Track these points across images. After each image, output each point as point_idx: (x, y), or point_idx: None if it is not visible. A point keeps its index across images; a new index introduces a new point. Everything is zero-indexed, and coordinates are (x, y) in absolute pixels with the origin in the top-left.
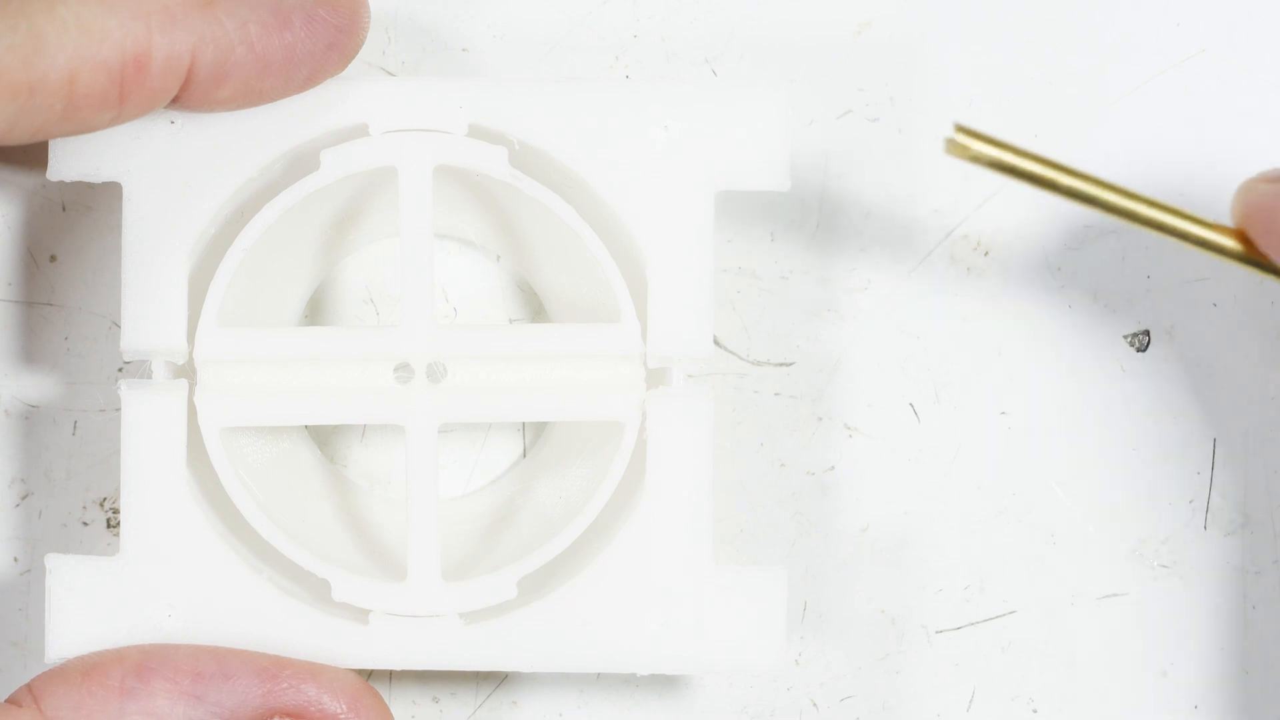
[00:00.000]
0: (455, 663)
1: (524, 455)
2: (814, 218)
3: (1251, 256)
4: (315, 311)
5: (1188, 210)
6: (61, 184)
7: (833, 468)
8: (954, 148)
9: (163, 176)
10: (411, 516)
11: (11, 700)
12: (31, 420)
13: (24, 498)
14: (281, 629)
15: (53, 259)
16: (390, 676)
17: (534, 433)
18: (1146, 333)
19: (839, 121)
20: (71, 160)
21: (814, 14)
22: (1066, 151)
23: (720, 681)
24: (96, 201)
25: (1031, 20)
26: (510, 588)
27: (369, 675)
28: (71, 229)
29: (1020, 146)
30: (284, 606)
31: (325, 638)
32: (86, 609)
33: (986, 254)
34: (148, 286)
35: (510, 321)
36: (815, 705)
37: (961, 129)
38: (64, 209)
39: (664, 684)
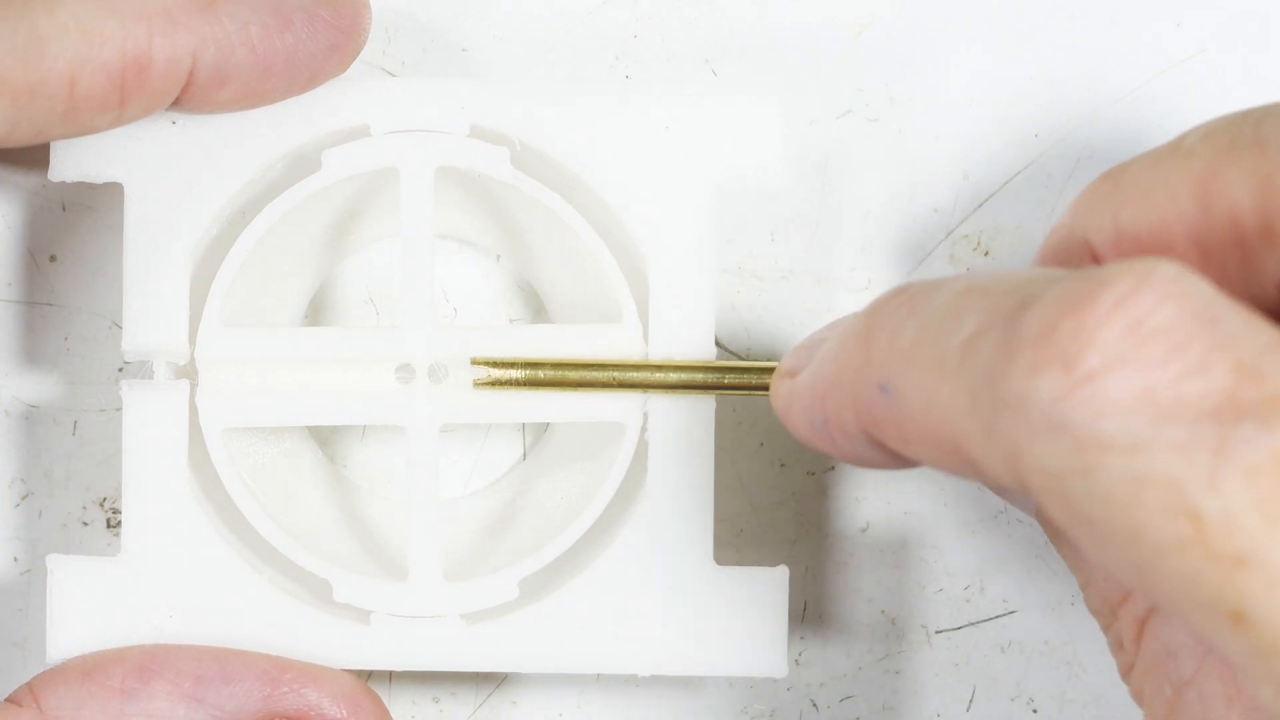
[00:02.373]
0: (456, 663)
1: (525, 456)
2: (814, 218)
3: None
4: (316, 312)
5: (728, 362)
6: (62, 184)
7: (833, 468)
8: (479, 384)
9: (164, 177)
10: (412, 517)
11: (11, 699)
12: (31, 420)
13: (24, 498)
14: (282, 630)
15: (53, 259)
16: (390, 677)
17: (535, 433)
18: None
19: (839, 121)
20: (73, 161)
21: (814, 14)
22: (1066, 151)
23: (720, 681)
24: (97, 202)
25: (1031, 20)
26: (512, 588)
27: (369, 676)
28: (71, 229)
29: (537, 358)
30: (285, 607)
31: (326, 638)
32: (87, 610)
33: (987, 254)
34: (149, 287)
35: (510, 322)
36: (815, 705)
37: (476, 361)
38: (64, 209)
39: (664, 684)
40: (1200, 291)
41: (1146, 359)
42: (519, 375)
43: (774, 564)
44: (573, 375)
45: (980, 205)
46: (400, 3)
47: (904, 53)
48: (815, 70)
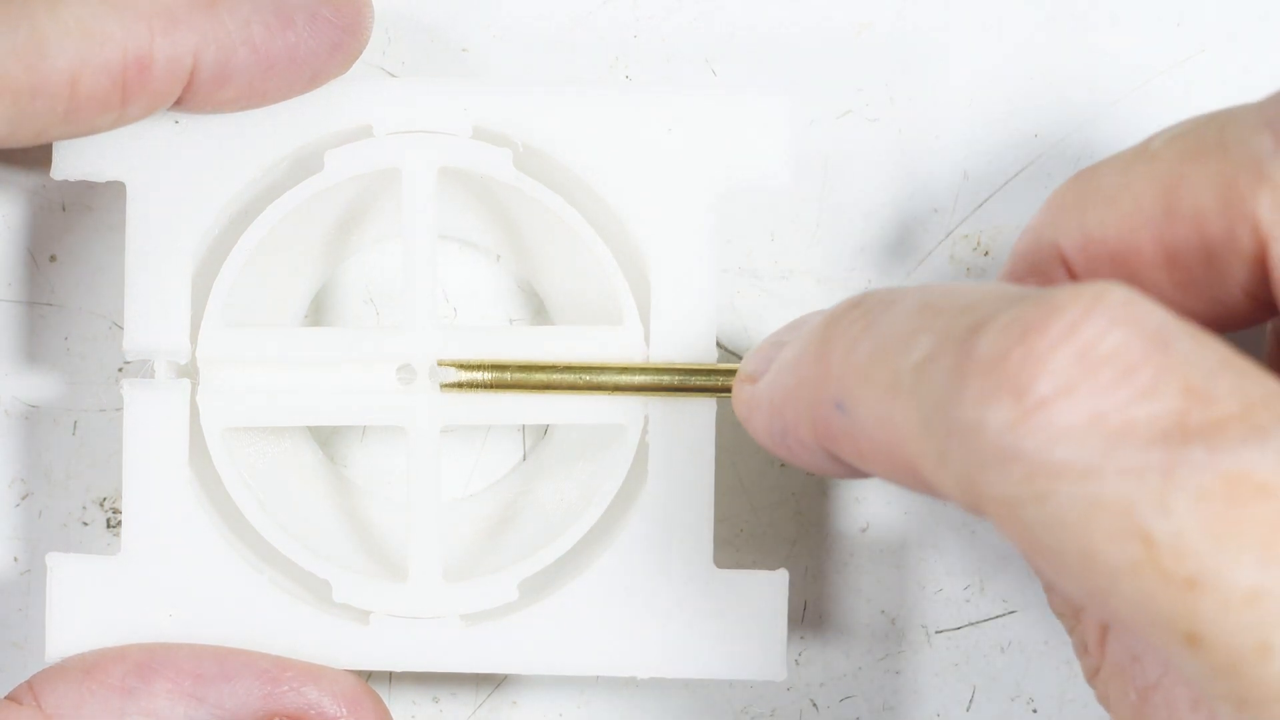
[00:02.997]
0: (456, 664)
1: (525, 457)
2: (814, 218)
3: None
4: (318, 312)
5: (692, 364)
6: (62, 184)
7: None
8: (446, 386)
9: (167, 176)
10: (413, 518)
11: (11, 697)
12: (31, 420)
13: (24, 498)
14: (282, 630)
15: (53, 259)
16: (390, 677)
17: (536, 434)
18: None
19: (839, 121)
20: (76, 159)
21: (814, 14)
22: (1066, 151)
23: (721, 682)
24: (97, 201)
25: (1032, 20)
26: (511, 590)
27: (369, 676)
28: (71, 229)
29: (504, 360)
30: (285, 607)
31: (326, 638)
32: (87, 608)
33: (986, 254)
34: (151, 286)
35: (510, 322)
36: (815, 705)
37: (443, 363)
38: (64, 209)
39: (664, 684)
40: (1151, 315)
41: (1097, 384)
42: (485, 378)
43: (774, 564)
44: (539, 377)
45: (980, 205)
46: (400, 3)
47: (904, 53)
48: (815, 70)
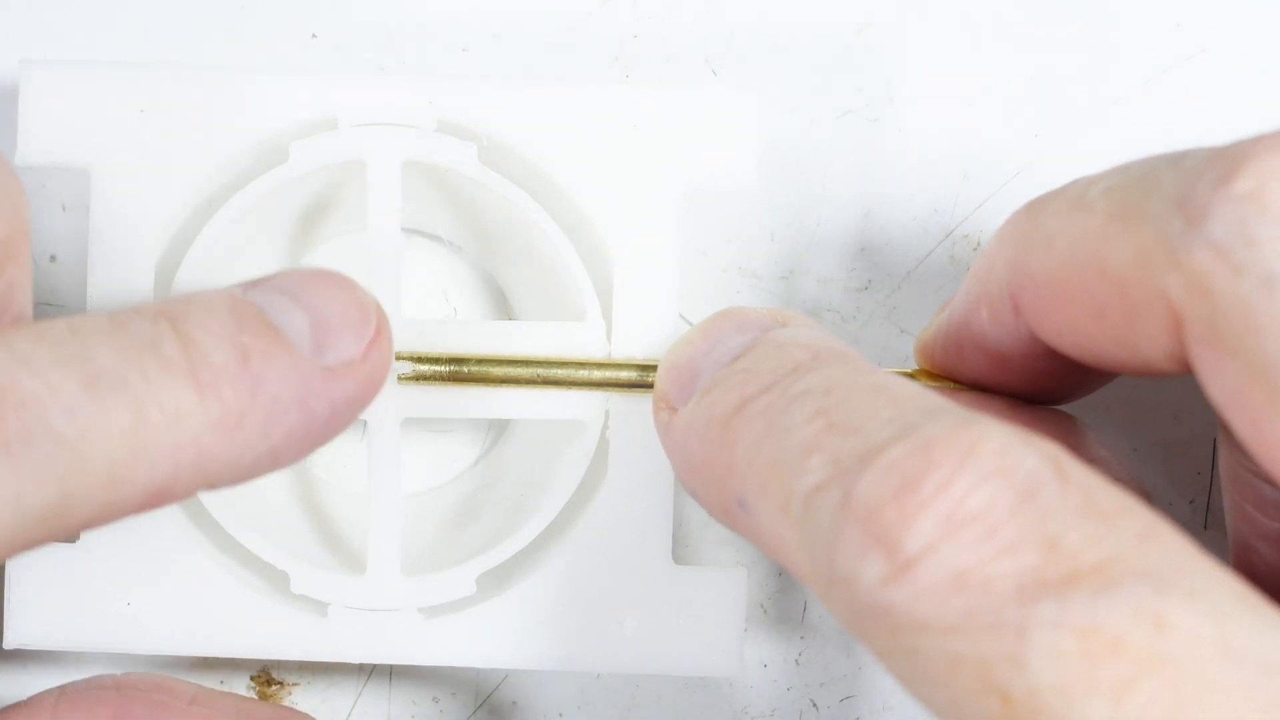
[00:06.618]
0: (413, 657)
1: (487, 451)
2: (814, 218)
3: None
4: None
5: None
6: (62, 184)
7: None
8: (403, 379)
9: (132, 164)
10: (373, 511)
11: None
12: None
13: None
14: (240, 620)
15: (53, 259)
16: (390, 676)
17: (497, 428)
18: None
19: (839, 121)
20: (40, 146)
21: (814, 14)
22: (1066, 151)
23: (720, 681)
24: None
25: (1031, 20)
26: (469, 583)
27: (371, 670)
28: (71, 229)
29: (462, 353)
30: (243, 598)
31: (283, 629)
32: (46, 598)
33: None
34: (115, 274)
35: (484, 319)
36: (815, 705)
37: (401, 356)
38: (64, 209)
39: (664, 684)
40: (1022, 464)
41: (961, 543)
42: (443, 371)
43: (773, 561)
44: (497, 372)
45: (980, 205)
46: (400, 3)
47: (904, 53)
48: (815, 70)
